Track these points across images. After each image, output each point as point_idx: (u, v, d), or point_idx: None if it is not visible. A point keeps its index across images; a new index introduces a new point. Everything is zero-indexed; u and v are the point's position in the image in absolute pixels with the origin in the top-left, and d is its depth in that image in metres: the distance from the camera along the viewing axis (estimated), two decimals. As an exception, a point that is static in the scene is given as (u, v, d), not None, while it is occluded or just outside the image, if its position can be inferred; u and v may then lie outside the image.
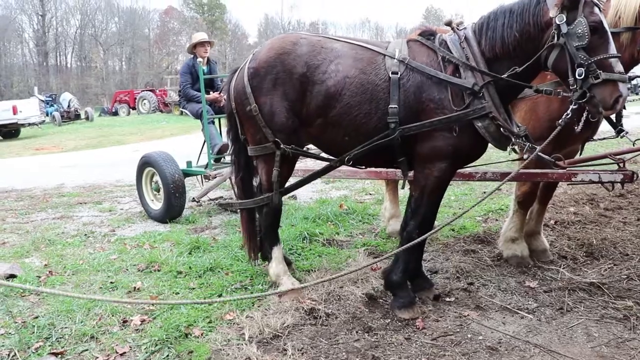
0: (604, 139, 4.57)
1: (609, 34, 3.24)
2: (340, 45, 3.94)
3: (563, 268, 4.70)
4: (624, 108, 4.26)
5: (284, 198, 4.78)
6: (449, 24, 3.78)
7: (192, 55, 7.60)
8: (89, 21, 63.85)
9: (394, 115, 3.63)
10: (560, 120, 3.42)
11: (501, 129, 3.52)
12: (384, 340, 3.58)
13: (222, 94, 6.93)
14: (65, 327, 3.88)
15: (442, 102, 3.57)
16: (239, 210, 4.82)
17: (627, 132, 4.25)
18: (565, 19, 3.20)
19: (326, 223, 6.30)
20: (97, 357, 3.48)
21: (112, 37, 65.61)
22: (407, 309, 3.89)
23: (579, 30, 3.16)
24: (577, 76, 3.20)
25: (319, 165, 4.39)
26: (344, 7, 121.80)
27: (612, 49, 3.21)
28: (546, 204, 5.07)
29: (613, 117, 4.30)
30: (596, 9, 3.23)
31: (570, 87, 3.28)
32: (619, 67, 3.20)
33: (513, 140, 3.56)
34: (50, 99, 33.27)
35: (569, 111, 3.37)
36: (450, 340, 3.58)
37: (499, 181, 4.65)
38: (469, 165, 4.25)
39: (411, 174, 3.99)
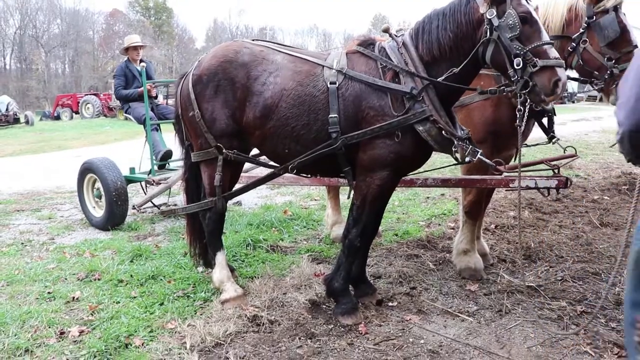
0: (537, 144, 4.72)
1: (540, 23, 3.35)
2: (281, 57, 3.96)
3: (502, 271, 4.84)
4: (554, 114, 4.42)
5: (229, 204, 4.75)
6: (386, 30, 3.83)
7: (125, 58, 7.74)
8: (30, 21, 61.78)
9: (334, 125, 3.65)
10: (517, 121, 3.52)
11: (443, 132, 3.54)
12: (327, 346, 3.59)
13: (154, 85, 7.39)
14: (-3, 341, 3.71)
15: (383, 108, 3.59)
16: (182, 217, 4.77)
17: (558, 139, 4.40)
18: (495, 13, 3.29)
19: (270, 229, 6.28)
20: (31, 371, 3.36)
21: (54, 39, 63.66)
22: (350, 315, 3.91)
23: (510, 22, 3.26)
24: (515, 66, 3.27)
25: (268, 171, 4.37)
26: (292, 13, 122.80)
27: (545, 36, 3.31)
28: (484, 209, 5.18)
29: (545, 123, 4.45)
30: (523, 0, 3.34)
31: (512, 79, 3.33)
32: (554, 52, 3.29)
33: (455, 142, 3.58)
34: (-14, 101, 31.82)
35: (519, 106, 3.49)
36: (392, 344, 3.62)
37: (440, 187, 4.73)
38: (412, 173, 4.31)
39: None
